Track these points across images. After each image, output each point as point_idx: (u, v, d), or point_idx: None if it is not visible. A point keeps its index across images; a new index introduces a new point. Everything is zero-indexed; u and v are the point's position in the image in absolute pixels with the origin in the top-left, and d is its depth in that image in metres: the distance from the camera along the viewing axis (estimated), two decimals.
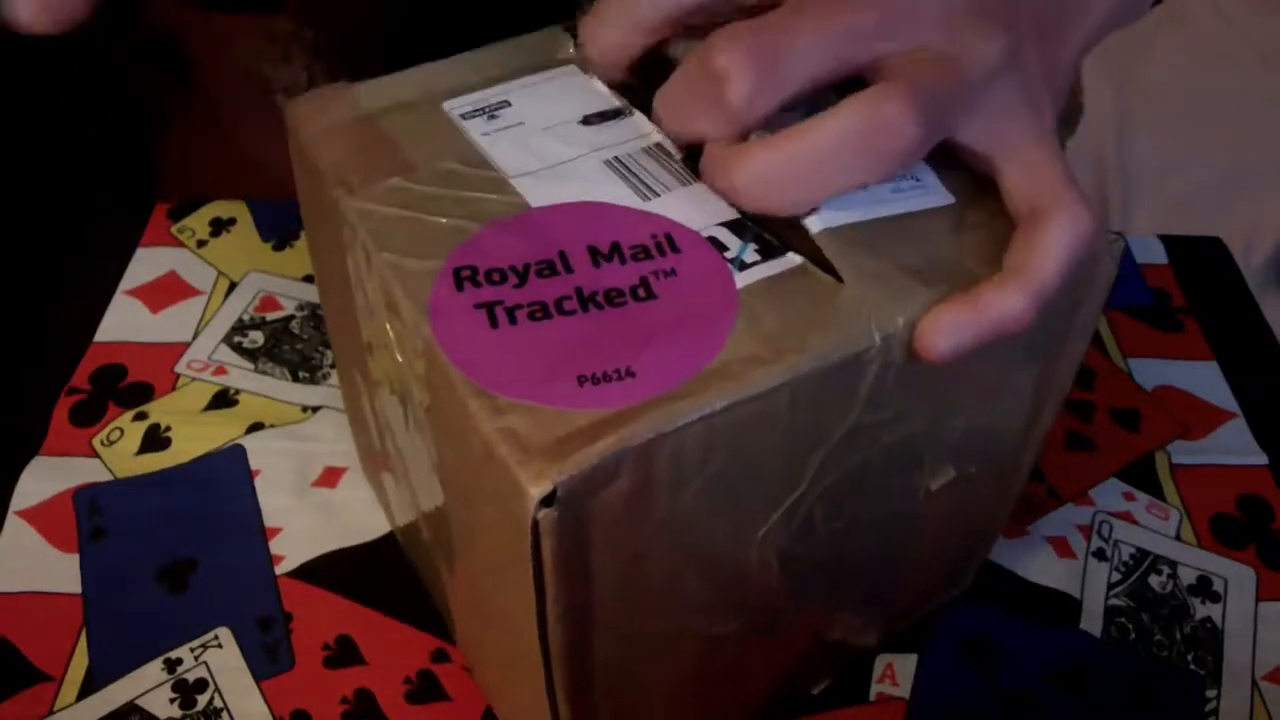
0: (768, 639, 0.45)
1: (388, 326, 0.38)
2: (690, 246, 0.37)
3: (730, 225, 0.37)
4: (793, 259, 0.36)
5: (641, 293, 0.35)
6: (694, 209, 0.38)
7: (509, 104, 0.43)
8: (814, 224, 0.36)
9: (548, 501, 0.30)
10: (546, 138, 0.41)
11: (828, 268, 0.36)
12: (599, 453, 0.30)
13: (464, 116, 0.43)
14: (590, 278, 0.36)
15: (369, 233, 0.38)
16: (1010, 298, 0.34)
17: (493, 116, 0.43)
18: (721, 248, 0.36)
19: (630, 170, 0.40)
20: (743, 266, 0.36)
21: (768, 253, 0.36)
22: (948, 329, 0.34)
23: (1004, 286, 0.35)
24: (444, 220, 0.38)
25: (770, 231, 0.37)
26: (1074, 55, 0.41)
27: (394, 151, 0.42)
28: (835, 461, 0.37)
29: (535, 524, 0.30)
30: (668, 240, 0.37)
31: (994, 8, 0.37)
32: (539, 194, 0.39)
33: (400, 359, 0.38)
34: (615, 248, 0.37)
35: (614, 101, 0.43)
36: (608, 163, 0.40)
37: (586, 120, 0.42)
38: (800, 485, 0.37)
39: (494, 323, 0.34)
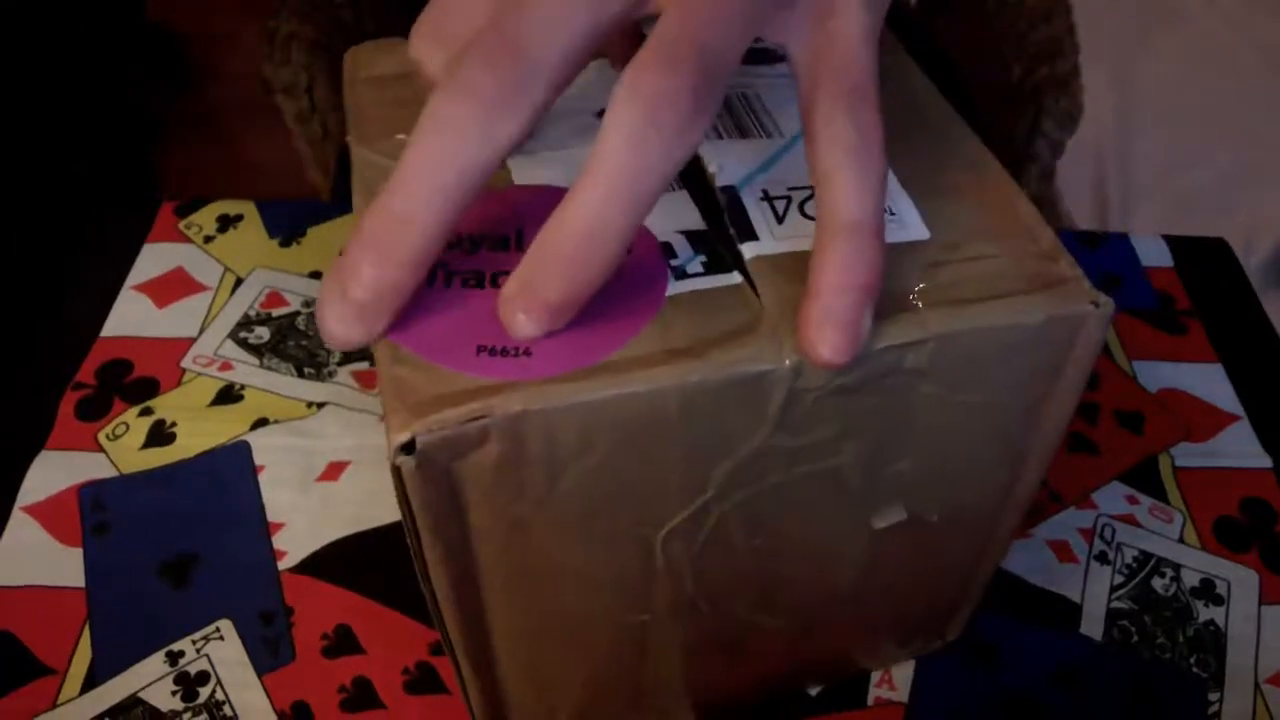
0: (713, 640, 0.45)
1: None
2: (640, 247, 0.37)
3: (690, 234, 0.37)
4: (734, 278, 0.36)
5: None
6: (662, 212, 0.38)
7: None
8: (748, 250, 0.36)
9: (409, 450, 0.31)
10: (558, 124, 0.42)
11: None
12: (461, 415, 0.31)
13: None
14: None
15: (362, 180, 0.40)
16: (839, 256, 0.32)
17: None
18: (670, 254, 0.36)
19: None
20: (682, 275, 0.36)
21: (713, 267, 0.36)
22: (816, 337, 0.32)
23: (825, 251, 0.32)
24: None
25: (729, 249, 0.37)
26: None
27: (416, 111, 0.43)
28: (746, 478, 0.36)
29: (397, 469, 0.31)
30: None
31: None
32: (524, 173, 0.40)
33: None
34: None
35: None
36: None
37: (602, 113, 0.43)
38: (704, 494, 0.36)
39: (430, 282, 0.35)
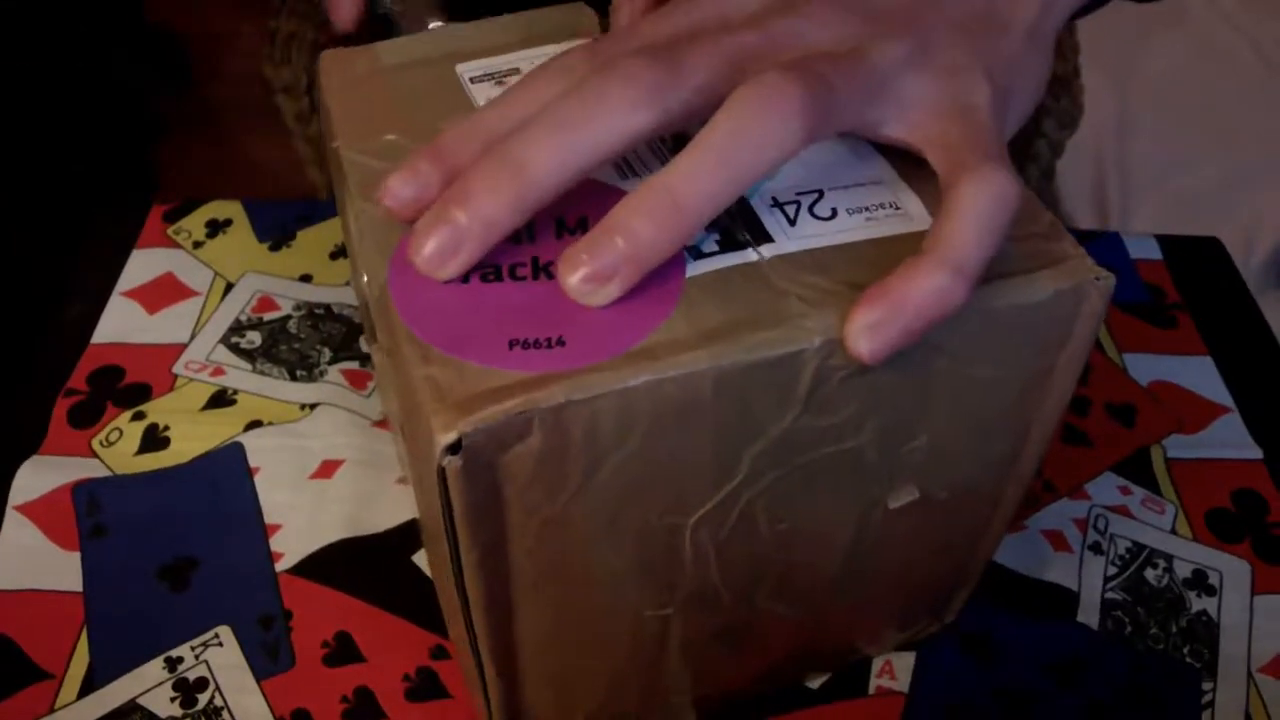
0: (724, 631, 0.45)
1: (365, 277, 0.39)
2: None
3: None
4: (750, 255, 0.36)
5: None
6: None
7: (519, 71, 0.44)
8: (766, 251, 0.37)
9: (455, 450, 0.31)
10: None
11: None
12: (507, 410, 0.31)
13: (473, 80, 0.44)
14: (549, 248, 0.36)
15: (355, 183, 0.40)
16: (925, 277, 0.33)
17: (500, 82, 0.44)
18: None
19: None
20: (698, 255, 0.36)
21: (728, 245, 0.37)
22: (866, 328, 0.33)
23: (916, 266, 0.33)
24: None
25: (741, 225, 0.37)
26: (1022, 40, 0.40)
27: (399, 108, 0.43)
28: (775, 460, 0.37)
29: (442, 470, 0.32)
30: None
31: (892, 11, 0.38)
32: None
33: (372, 307, 0.39)
34: (582, 221, 0.37)
35: None
36: None
37: None
38: (735, 478, 0.37)
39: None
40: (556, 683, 0.44)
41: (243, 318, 0.68)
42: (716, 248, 0.36)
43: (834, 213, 0.38)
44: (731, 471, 0.37)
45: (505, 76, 0.44)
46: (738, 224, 0.37)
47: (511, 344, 0.33)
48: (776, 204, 0.38)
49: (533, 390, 0.32)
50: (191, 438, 0.61)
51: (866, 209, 0.38)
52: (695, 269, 0.36)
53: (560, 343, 0.33)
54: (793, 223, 0.37)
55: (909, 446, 0.40)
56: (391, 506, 0.58)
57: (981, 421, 0.41)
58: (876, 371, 0.35)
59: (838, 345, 0.34)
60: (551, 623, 0.40)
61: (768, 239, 0.37)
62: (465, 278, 0.36)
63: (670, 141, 0.41)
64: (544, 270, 0.36)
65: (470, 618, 0.38)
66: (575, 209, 0.37)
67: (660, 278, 0.35)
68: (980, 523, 0.48)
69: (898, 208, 0.38)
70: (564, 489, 0.34)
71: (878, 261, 0.36)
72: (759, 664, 0.49)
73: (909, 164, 0.39)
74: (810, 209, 0.38)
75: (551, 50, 0.45)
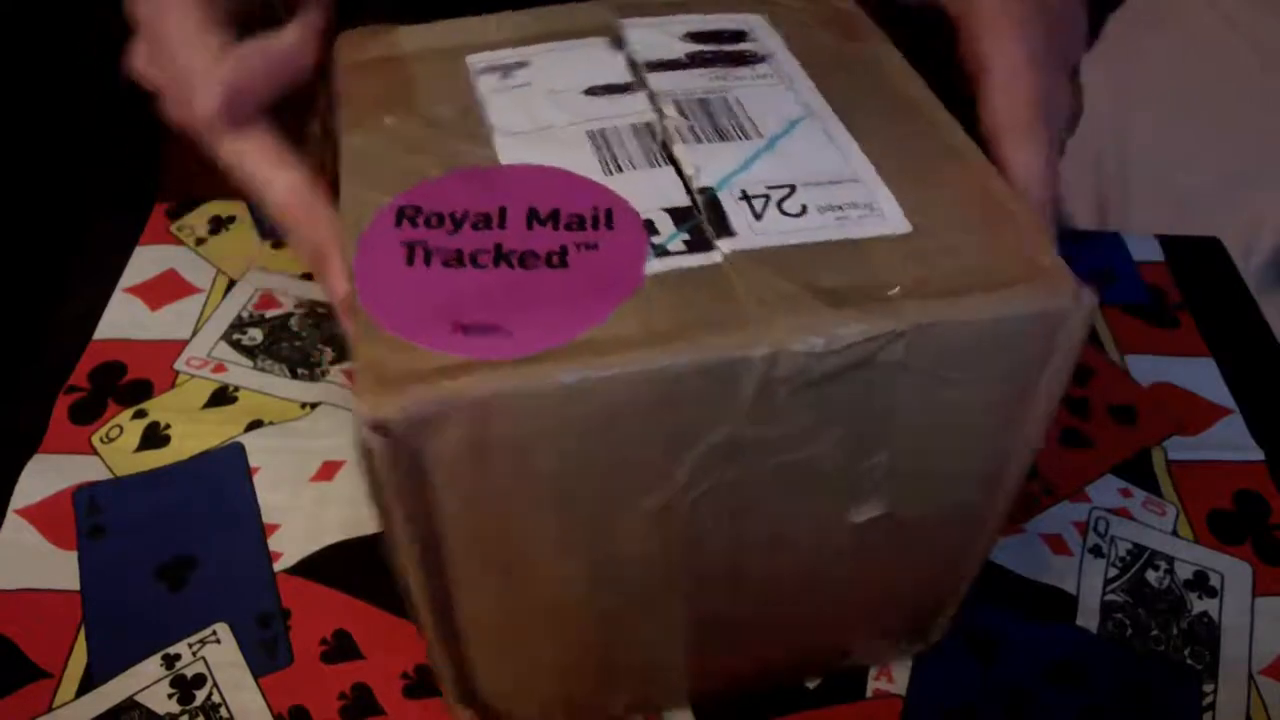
0: (685, 627, 0.44)
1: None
2: (623, 224, 0.37)
3: (674, 211, 0.38)
4: (715, 257, 0.36)
5: (555, 260, 0.36)
6: (648, 189, 0.38)
7: (526, 65, 0.44)
8: (726, 245, 0.36)
9: (378, 429, 0.31)
10: (546, 102, 0.42)
11: None
12: (433, 397, 0.31)
13: (480, 71, 0.44)
14: (517, 238, 0.36)
15: (347, 163, 0.40)
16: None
17: (506, 75, 0.44)
18: (653, 231, 0.37)
19: (607, 143, 0.40)
20: (663, 254, 0.36)
21: (695, 246, 0.36)
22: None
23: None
24: (414, 161, 0.39)
25: (705, 218, 0.37)
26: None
27: (404, 93, 0.43)
28: (718, 467, 0.36)
29: (368, 449, 0.32)
30: (606, 215, 0.37)
31: None
32: (511, 152, 0.40)
33: None
34: (554, 214, 0.37)
35: (626, 76, 0.44)
36: (590, 133, 0.41)
37: (591, 90, 0.43)
38: (677, 480, 0.36)
39: (410, 261, 0.36)
40: (510, 669, 0.44)
41: (244, 315, 0.68)
42: (684, 248, 0.36)
43: (804, 209, 0.37)
44: (672, 472, 0.36)
45: (512, 69, 0.44)
46: (702, 216, 0.37)
47: (456, 328, 0.33)
48: (745, 196, 0.38)
49: (461, 377, 0.32)
50: (192, 436, 0.61)
51: (839, 208, 0.38)
52: (656, 266, 0.35)
53: (504, 330, 0.33)
54: (759, 217, 0.37)
55: (870, 462, 0.39)
56: None
57: (951, 441, 0.40)
58: (830, 385, 0.34)
59: (785, 355, 0.33)
60: (498, 605, 0.40)
61: (730, 233, 0.37)
62: (428, 262, 0.36)
63: (660, 137, 0.41)
64: (505, 258, 0.36)
65: (411, 593, 0.38)
66: (549, 199, 0.37)
67: (618, 271, 0.35)
68: (961, 541, 0.46)
69: (872, 208, 0.38)
70: (496, 478, 0.34)
71: (844, 265, 0.35)
72: (737, 661, 0.49)
73: (896, 159, 0.39)
74: (779, 204, 0.38)
75: (564, 46, 0.46)
